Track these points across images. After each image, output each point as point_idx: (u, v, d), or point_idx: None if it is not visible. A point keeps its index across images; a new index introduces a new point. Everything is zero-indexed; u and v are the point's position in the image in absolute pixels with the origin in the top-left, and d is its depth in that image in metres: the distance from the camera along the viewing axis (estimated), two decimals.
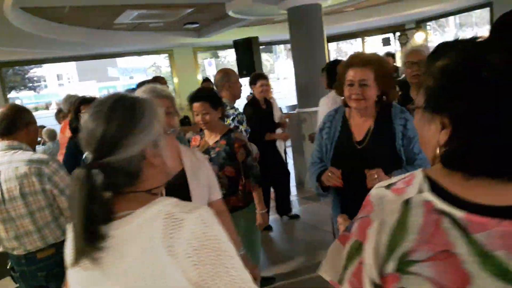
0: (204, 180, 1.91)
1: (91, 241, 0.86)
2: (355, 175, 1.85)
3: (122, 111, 0.93)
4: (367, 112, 1.98)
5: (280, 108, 5.45)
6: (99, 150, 0.90)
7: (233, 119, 3.24)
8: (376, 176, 1.78)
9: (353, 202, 2.00)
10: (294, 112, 5.90)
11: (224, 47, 10.57)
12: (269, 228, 4.67)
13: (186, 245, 0.85)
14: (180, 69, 9.77)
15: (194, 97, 2.54)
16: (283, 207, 4.92)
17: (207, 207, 0.93)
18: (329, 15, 7.98)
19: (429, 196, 0.77)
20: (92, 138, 0.91)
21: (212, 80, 5.13)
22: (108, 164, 0.89)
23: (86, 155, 0.93)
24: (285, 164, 5.02)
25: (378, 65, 1.92)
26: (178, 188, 1.83)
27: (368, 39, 11.00)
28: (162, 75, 5.30)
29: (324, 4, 5.89)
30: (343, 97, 2.02)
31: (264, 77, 4.58)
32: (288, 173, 4.96)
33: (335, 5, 6.82)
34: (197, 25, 8.02)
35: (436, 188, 0.78)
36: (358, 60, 1.93)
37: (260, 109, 4.54)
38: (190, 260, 0.85)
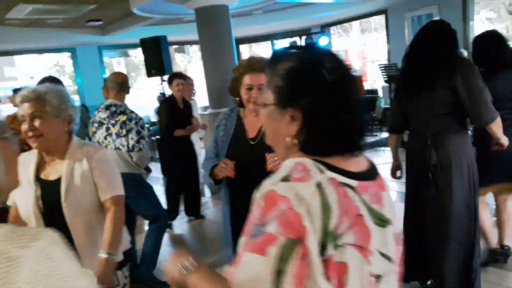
0: (88, 182, 1.77)
1: None
2: (248, 169, 1.97)
3: None
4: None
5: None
6: None
7: (136, 123, 3.12)
8: (276, 158, 1.88)
9: (244, 194, 2.10)
10: (206, 113, 5.89)
11: (133, 46, 10.19)
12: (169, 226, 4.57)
13: None
14: (85, 68, 9.24)
15: None
16: (192, 208, 4.88)
17: (51, 231, 0.79)
18: (238, 17, 8.09)
19: (330, 173, 0.86)
20: None
21: None
22: None
23: None
24: (197, 165, 4.98)
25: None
26: (52, 206, 1.71)
27: (277, 42, 11.34)
28: (66, 75, 4.99)
29: (232, 5, 5.94)
30: (237, 98, 2.09)
31: (180, 76, 4.59)
32: (198, 174, 4.92)
33: (243, 7, 6.93)
34: (101, 22, 7.64)
35: (329, 167, 0.87)
36: (257, 66, 1.99)
37: (177, 108, 4.50)
38: None
